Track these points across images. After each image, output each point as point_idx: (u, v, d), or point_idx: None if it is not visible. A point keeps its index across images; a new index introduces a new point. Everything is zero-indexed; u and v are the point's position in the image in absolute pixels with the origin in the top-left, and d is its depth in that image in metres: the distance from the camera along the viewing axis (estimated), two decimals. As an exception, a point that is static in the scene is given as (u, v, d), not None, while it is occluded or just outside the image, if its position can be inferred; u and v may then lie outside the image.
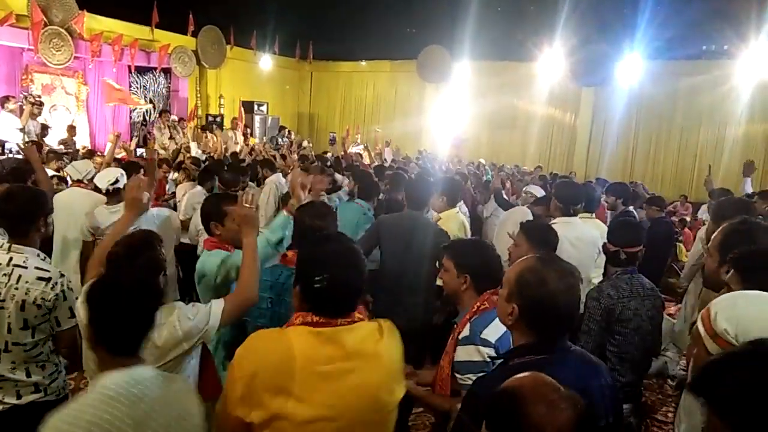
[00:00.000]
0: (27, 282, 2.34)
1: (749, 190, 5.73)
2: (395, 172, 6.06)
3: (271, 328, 1.75)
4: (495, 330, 2.11)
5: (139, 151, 9.30)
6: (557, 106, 13.79)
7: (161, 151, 9.04)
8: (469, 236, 4.25)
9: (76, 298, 2.30)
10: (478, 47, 12.96)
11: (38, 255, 2.46)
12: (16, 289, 2.33)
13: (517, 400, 1.22)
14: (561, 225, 3.50)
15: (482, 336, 2.12)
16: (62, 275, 2.45)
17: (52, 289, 2.37)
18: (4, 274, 2.35)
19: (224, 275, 2.56)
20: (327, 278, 1.68)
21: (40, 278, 2.36)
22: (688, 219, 9.58)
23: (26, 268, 2.37)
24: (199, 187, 5.54)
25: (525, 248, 2.87)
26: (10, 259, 2.38)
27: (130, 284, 1.69)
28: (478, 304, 2.20)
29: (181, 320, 2.06)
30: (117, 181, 4.16)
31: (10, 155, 7.59)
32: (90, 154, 7.73)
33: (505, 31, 12.31)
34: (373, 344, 1.71)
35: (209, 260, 2.59)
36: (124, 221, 2.55)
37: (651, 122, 12.91)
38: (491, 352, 2.09)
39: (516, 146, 14.26)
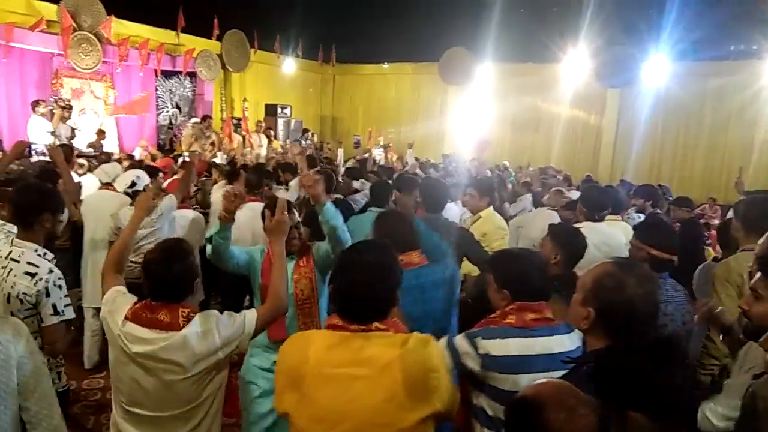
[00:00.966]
0: (15, 276, 2.38)
1: (780, 191, 5.61)
2: (405, 176, 6.03)
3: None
4: (499, 347, 2.00)
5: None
6: (582, 108, 13.64)
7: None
8: (506, 233, 4.20)
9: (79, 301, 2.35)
10: (501, 49, 12.89)
11: (36, 250, 2.48)
12: (5, 282, 2.38)
13: (537, 407, 1.21)
14: (586, 229, 3.45)
15: (475, 338, 2.04)
16: (51, 271, 2.44)
17: (35, 284, 2.39)
18: (1, 267, 2.41)
19: None
20: (343, 283, 1.75)
21: (27, 273, 2.40)
22: (716, 222, 9.40)
23: (18, 262, 2.42)
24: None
25: (549, 251, 2.84)
26: (9, 252, 2.45)
27: None
28: (498, 316, 2.11)
29: (220, 328, 2.08)
30: (134, 183, 4.27)
31: (37, 156, 7.76)
32: (129, 159, 7.84)
33: (529, 32, 12.24)
34: (388, 355, 1.66)
35: None
36: (133, 221, 2.58)
37: (678, 124, 12.71)
38: (471, 353, 2.00)
39: (540, 148, 14.15)
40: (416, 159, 11.15)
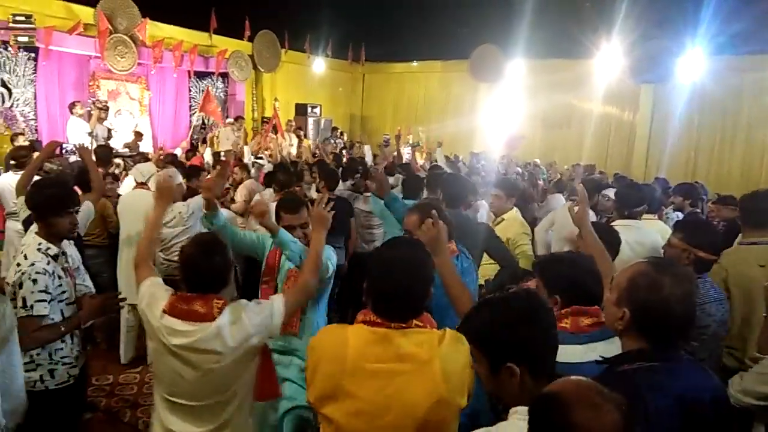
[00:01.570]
0: (15, 265, 2.54)
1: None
2: (432, 173, 6.05)
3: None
4: (564, 354, 1.92)
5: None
6: (615, 104, 13.39)
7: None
8: (529, 237, 4.18)
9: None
10: (532, 45, 12.71)
11: (39, 244, 2.59)
12: (8, 270, 2.57)
13: (562, 404, 1.20)
14: (621, 228, 3.40)
15: None
16: (32, 264, 2.50)
17: (15, 274, 2.49)
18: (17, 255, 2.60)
19: None
20: (379, 281, 1.76)
21: (17, 263, 2.53)
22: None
23: (20, 253, 2.59)
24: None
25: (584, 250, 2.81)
26: (26, 244, 2.63)
27: None
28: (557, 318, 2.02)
29: (250, 317, 2.15)
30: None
31: (75, 156, 7.97)
32: (172, 157, 8.00)
33: (561, 28, 12.05)
34: (428, 351, 1.71)
35: None
36: (155, 213, 2.65)
37: (715, 120, 12.35)
38: None
39: (571, 146, 13.93)
40: (446, 157, 11.09)
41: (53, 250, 2.63)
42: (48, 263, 2.55)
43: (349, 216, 5.36)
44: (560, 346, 1.88)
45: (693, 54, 11.48)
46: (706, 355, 2.57)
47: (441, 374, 1.67)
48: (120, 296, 2.89)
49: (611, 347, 1.91)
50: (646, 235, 3.70)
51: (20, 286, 2.47)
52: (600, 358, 1.90)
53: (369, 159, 9.09)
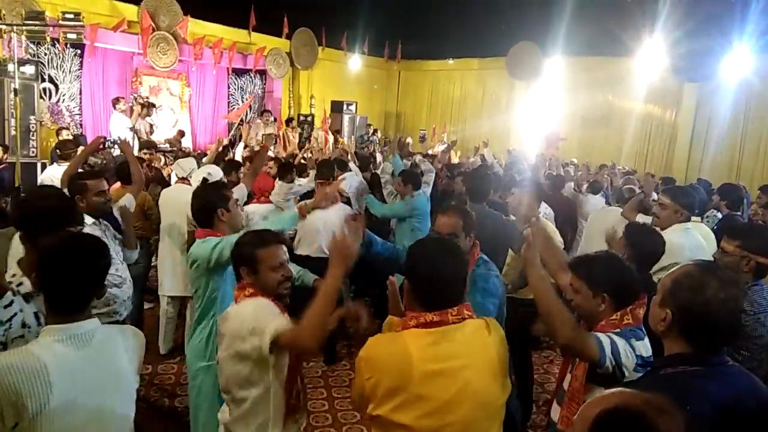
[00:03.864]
0: None
1: None
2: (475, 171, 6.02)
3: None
4: (645, 348, 1.98)
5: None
6: (656, 103, 13.07)
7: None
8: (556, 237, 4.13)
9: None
10: (572, 42, 12.51)
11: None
12: None
13: (638, 416, 1.13)
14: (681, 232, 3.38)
15: (630, 339, 1.98)
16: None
17: None
18: None
19: (216, 258, 2.63)
20: (429, 273, 1.79)
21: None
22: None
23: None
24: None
25: (628, 253, 2.77)
26: None
27: None
28: (619, 316, 2.03)
29: (259, 316, 2.08)
30: (206, 180, 4.44)
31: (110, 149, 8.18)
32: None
33: (601, 25, 11.81)
34: (482, 340, 1.80)
35: (201, 246, 2.70)
36: (331, 278, 2.18)
37: (761, 120, 11.94)
38: (631, 354, 1.94)
39: (611, 145, 13.67)
40: (482, 157, 11.01)
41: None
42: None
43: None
44: (640, 342, 1.97)
45: (739, 52, 11.12)
46: (756, 365, 2.49)
47: (498, 360, 1.78)
48: None
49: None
50: (698, 239, 3.62)
51: None
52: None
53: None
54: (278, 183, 5.11)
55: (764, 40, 10.73)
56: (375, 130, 14.69)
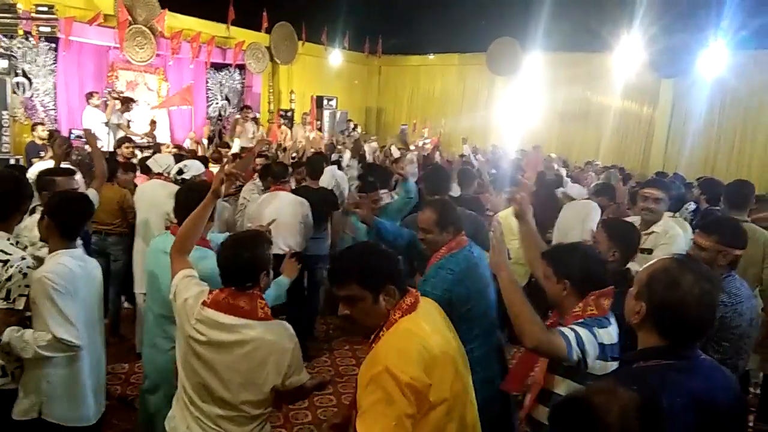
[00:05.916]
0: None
1: None
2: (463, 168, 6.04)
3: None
4: (608, 335, 2.08)
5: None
6: (634, 99, 13.21)
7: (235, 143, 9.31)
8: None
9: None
10: (551, 38, 12.58)
11: (8, 239, 2.55)
12: None
13: (585, 400, 1.28)
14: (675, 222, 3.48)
15: (593, 331, 2.07)
16: (23, 259, 2.50)
17: (6, 270, 2.42)
18: None
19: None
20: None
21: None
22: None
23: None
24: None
25: (605, 246, 2.80)
26: None
27: None
28: (582, 306, 2.14)
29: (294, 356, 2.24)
30: (181, 171, 4.39)
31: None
32: (178, 149, 8.07)
33: (579, 20, 11.90)
34: (432, 305, 2.06)
35: (204, 264, 2.56)
36: (203, 204, 2.50)
37: (735, 116, 12.12)
38: (593, 342, 2.04)
39: (589, 140, 13.80)
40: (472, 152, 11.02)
41: (22, 242, 2.67)
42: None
43: (332, 208, 5.36)
44: (603, 330, 2.06)
45: (715, 48, 11.28)
46: (736, 354, 2.55)
47: (445, 319, 2.06)
48: None
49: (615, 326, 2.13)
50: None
51: (9, 279, 2.44)
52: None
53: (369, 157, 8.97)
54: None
55: (739, 37, 10.88)
56: (355, 126, 14.65)
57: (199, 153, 8.08)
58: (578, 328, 2.04)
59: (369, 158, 9.05)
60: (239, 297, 2.16)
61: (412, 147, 9.90)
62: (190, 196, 2.78)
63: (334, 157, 8.28)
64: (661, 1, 10.77)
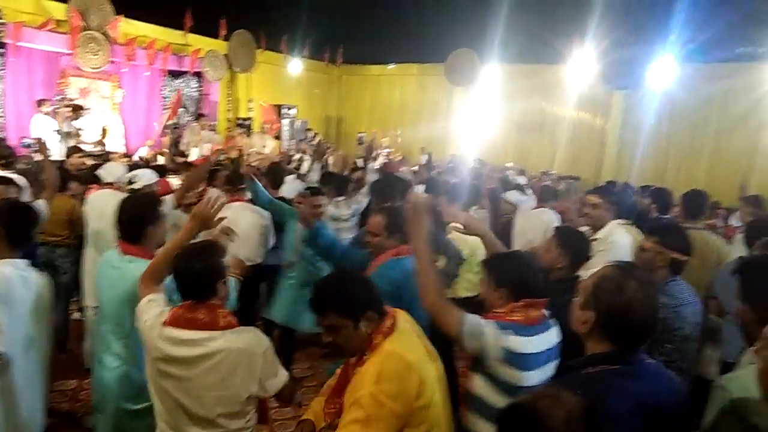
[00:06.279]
0: None
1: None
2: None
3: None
4: (522, 344, 2.07)
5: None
6: (587, 110, 13.55)
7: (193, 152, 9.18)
8: (480, 245, 4.25)
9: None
10: (507, 50, 12.84)
11: None
12: None
13: (529, 406, 1.31)
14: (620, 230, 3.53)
15: (504, 333, 2.08)
16: None
17: None
18: None
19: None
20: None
21: None
22: (718, 226, 9.29)
23: None
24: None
25: (556, 254, 2.84)
26: None
27: None
28: (507, 310, 2.16)
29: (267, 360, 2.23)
30: (132, 182, 4.29)
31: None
32: (126, 158, 7.89)
33: (535, 33, 12.17)
34: (419, 333, 2.18)
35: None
36: (184, 233, 2.47)
37: (684, 127, 12.57)
38: (497, 345, 2.06)
39: (545, 150, 14.08)
40: (428, 160, 11.09)
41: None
42: None
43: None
44: (519, 338, 2.06)
45: (664, 61, 11.69)
46: (679, 357, 2.61)
47: None
48: None
49: (549, 337, 2.16)
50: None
51: None
52: (550, 347, 2.10)
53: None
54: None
55: (687, 50, 11.31)
56: (315, 135, 14.60)
57: (162, 162, 7.91)
58: (486, 322, 2.09)
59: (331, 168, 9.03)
60: (197, 309, 2.12)
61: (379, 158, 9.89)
62: (132, 211, 2.71)
63: (293, 166, 8.23)
64: (612, 15, 11.11)
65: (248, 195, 5.29)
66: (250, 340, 2.16)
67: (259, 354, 2.14)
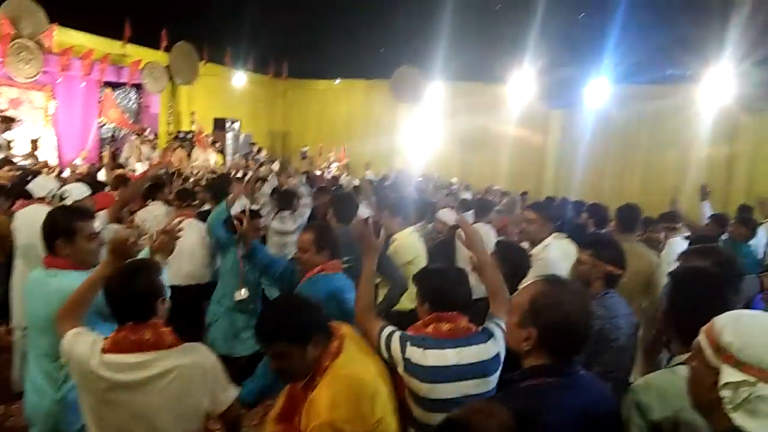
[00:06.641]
0: None
1: (708, 213, 5.86)
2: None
3: None
4: (417, 355, 2.11)
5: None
6: (527, 127, 13.98)
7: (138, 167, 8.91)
8: (424, 256, 4.30)
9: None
10: (451, 68, 13.14)
11: None
12: None
13: (463, 421, 1.35)
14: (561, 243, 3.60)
15: (406, 341, 2.16)
16: None
17: None
18: None
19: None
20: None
21: None
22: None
23: None
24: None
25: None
26: None
27: None
28: (420, 324, 2.24)
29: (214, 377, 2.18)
30: (62, 198, 4.15)
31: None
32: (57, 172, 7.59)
33: (478, 53, 12.50)
34: (365, 347, 2.26)
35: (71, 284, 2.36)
36: (103, 268, 2.31)
37: (618, 144, 13.16)
38: (399, 355, 2.13)
39: (487, 166, 14.41)
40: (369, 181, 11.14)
41: None
42: None
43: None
44: (429, 351, 2.10)
45: (599, 82, 12.21)
46: (617, 367, 2.68)
47: None
48: None
49: (470, 353, 2.13)
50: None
51: None
52: (472, 362, 2.11)
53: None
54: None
55: (619, 71, 11.87)
56: (260, 149, 14.44)
57: (101, 178, 7.63)
58: (396, 335, 2.19)
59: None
60: (141, 331, 2.03)
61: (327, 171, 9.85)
62: (45, 223, 2.58)
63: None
64: (548, 37, 11.54)
65: (197, 210, 5.19)
66: (198, 353, 2.12)
67: (209, 367, 2.10)
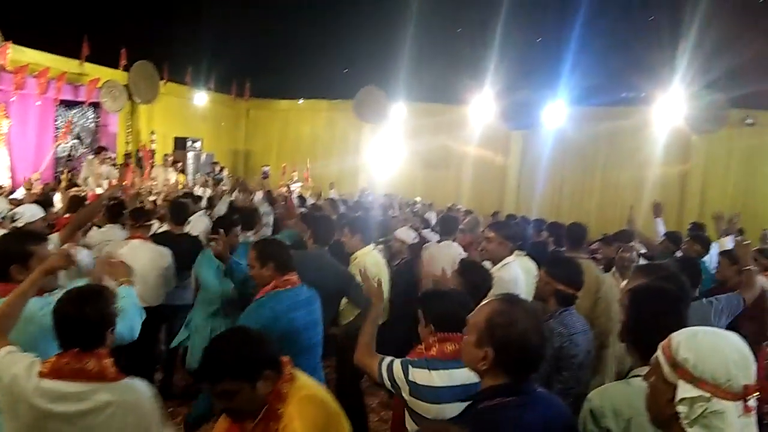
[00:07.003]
0: None
1: (662, 230, 6.03)
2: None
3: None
4: (424, 377, 2.14)
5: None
6: (488, 148, 14.22)
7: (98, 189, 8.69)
8: (386, 273, 4.31)
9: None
10: (414, 89, 13.33)
11: None
12: None
13: None
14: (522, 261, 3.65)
15: (408, 365, 2.19)
16: None
17: None
18: None
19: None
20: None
21: None
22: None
23: None
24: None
25: (459, 288, 2.90)
26: None
27: None
28: (424, 346, 2.30)
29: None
30: (14, 219, 4.06)
31: None
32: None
33: (440, 74, 12.74)
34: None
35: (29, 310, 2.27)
36: (28, 283, 2.21)
37: (576, 164, 13.53)
38: (402, 379, 2.17)
39: (450, 186, 14.59)
40: (338, 197, 11.12)
41: None
42: None
43: (196, 255, 5.08)
44: (435, 372, 2.13)
45: (556, 104, 12.55)
46: (577, 383, 2.71)
47: None
48: None
49: (470, 373, 2.08)
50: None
51: None
52: (466, 383, 2.10)
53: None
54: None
55: (575, 94, 12.24)
56: (222, 168, 14.28)
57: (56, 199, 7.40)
58: (397, 361, 2.24)
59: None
60: (85, 359, 1.93)
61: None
62: (8, 252, 2.49)
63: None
64: (507, 61, 11.85)
65: (150, 232, 5.06)
66: (139, 392, 2.02)
67: (149, 408, 2.01)
